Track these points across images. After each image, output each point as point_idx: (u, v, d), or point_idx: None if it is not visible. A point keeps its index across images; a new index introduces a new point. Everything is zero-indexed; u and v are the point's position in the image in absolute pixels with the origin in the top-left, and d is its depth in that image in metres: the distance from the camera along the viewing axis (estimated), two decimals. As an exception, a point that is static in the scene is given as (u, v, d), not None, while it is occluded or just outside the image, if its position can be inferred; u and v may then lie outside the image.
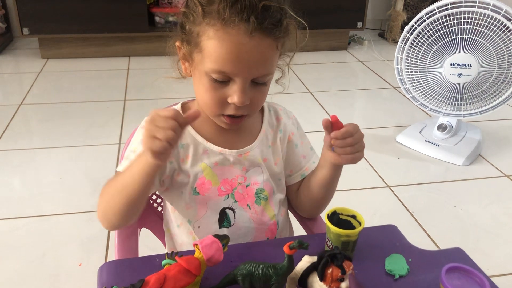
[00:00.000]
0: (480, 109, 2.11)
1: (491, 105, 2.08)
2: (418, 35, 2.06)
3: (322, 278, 0.65)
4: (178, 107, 0.90)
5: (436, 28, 2.01)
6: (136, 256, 0.91)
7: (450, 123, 2.25)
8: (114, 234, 0.95)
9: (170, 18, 3.33)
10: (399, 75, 2.19)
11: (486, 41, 1.96)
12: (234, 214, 0.89)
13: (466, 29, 1.96)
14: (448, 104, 2.17)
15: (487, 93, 2.08)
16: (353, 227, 0.77)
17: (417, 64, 2.13)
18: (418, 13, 2.04)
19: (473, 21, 1.93)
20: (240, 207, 0.89)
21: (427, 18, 2.01)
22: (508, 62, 1.97)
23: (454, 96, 2.14)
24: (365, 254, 0.79)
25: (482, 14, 1.91)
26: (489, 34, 1.94)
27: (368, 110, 2.76)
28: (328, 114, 2.58)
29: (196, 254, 0.68)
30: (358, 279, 0.68)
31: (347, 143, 0.80)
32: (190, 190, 0.87)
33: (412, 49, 2.11)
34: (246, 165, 0.90)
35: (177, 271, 0.66)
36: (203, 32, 0.76)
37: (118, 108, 2.59)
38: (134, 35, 3.32)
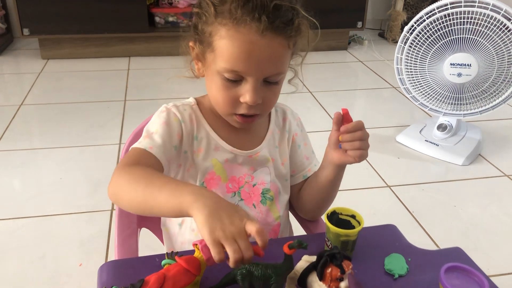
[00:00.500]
0: (480, 109, 2.11)
1: (491, 104, 2.08)
2: (418, 35, 2.06)
3: (321, 278, 0.65)
4: (192, 101, 0.90)
5: (436, 28, 2.01)
6: (136, 256, 0.91)
7: (450, 123, 2.25)
8: (114, 234, 0.95)
9: (170, 19, 3.33)
10: (399, 75, 2.19)
11: (486, 41, 1.96)
12: None
13: (466, 29, 1.96)
14: (448, 104, 2.17)
15: (487, 92, 2.08)
16: (353, 227, 0.77)
17: (417, 64, 2.13)
18: (418, 13, 2.04)
19: (473, 21, 1.93)
20: (245, 206, 0.90)
21: (427, 18, 2.01)
22: (508, 62, 1.97)
23: (454, 96, 2.14)
24: (364, 253, 0.79)
25: (482, 14, 1.91)
26: (488, 34, 1.94)
27: (368, 110, 2.76)
28: (329, 114, 2.58)
29: (196, 254, 0.69)
30: (357, 278, 0.68)
31: (357, 136, 0.80)
32: (198, 184, 0.87)
33: (412, 49, 2.11)
34: (254, 165, 0.90)
35: (176, 271, 0.66)
36: (215, 32, 0.76)
37: (118, 109, 2.59)
38: (134, 35, 3.32)
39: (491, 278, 0.72)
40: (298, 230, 1.04)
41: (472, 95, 2.11)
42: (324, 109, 2.65)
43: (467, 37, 1.98)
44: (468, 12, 1.92)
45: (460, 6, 1.93)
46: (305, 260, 0.69)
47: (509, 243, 1.68)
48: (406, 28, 2.08)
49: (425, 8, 2.02)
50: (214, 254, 0.59)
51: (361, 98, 2.98)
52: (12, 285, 1.43)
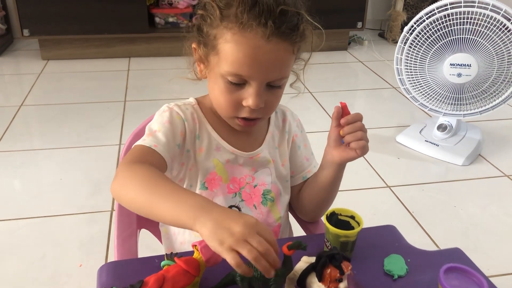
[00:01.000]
0: (480, 109, 2.11)
1: (491, 105, 2.08)
2: (417, 35, 2.06)
3: (320, 279, 0.65)
4: (193, 101, 0.90)
5: (435, 28, 2.01)
6: (135, 257, 0.92)
7: (450, 123, 2.25)
8: (114, 235, 0.95)
9: (170, 19, 3.33)
10: (399, 75, 2.19)
11: (485, 41, 1.96)
12: None
13: (466, 29, 1.96)
14: (448, 104, 2.17)
15: (487, 93, 2.08)
16: (352, 228, 0.77)
17: (416, 64, 2.13)
18: (418, 13, 2.04)
19: (472, 21, 1.93)
20: (246, 207, 0.90)
21: (427, 18, 2.01)
22: (507, 62, 1.97)
23: (454, 96, 2.14)
24: (364, 254, 0.79)
25: (482, 14, 1.92)
26: (488, 34, 1.94)
27: (368, 110, 2.76)
28: (328, 115, 2.58)
29: (195, 255, 0.69)
30: (356, 279, 0.68)
31: (358, 126, 0.81)
32: (199, 184, 0.87)
33: (411, 49, 2.11)
34: (256, 166, 0.91)
35: (176, 272, 0.66)
36: (220, 35, 0.76)
37: (119, 109, 2.59)
38: (134, 36, 3.32)
39: (491, 279, 0.72)
40: (297, 231, 1.04)
41: (472, 95, 2.11)
42: (324, 109, 2.65)
43: (467, 38, 1.98)
44: (468, 12, 1.92)
45: (460, 7, 1.93)
46: (304, 261, 0.69)
47: (509, 243, 1.68)
48: (406, 28, 2.08)
49: (425, 8, 2.02)
50: (230, 259, 0.58)
51: (361, 99, 2.98)
52: (12, 285, 1.43)
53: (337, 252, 0.66)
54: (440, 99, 2.17)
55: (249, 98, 0.78)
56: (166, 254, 0.71)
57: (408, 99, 2.26)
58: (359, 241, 0.78)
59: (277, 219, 0.93)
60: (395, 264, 0.76)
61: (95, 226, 1.68)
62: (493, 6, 1.89)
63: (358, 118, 0.81)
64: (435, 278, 0.67)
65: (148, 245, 1.05)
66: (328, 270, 0.64)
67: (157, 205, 0.68)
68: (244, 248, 0.58)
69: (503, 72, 2.00)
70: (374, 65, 3.42)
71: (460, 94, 2.12)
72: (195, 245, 0.68)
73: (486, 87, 2.07)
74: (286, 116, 0.96)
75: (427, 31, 2.03)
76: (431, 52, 2.08)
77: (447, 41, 2.02)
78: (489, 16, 1.90)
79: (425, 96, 2.19)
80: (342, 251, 0.73)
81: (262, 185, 0.91)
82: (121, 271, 0.75)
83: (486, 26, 1.93)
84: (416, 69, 2.14)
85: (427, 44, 2.06)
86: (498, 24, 1.91)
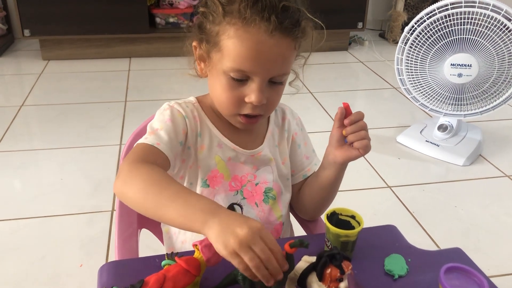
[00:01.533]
0: (481, 109, 2.11)
1: (491, 105, 2.08)
2: (418, 36, 2.06)
3: (321, 278, 0.65)
4: (193, 99, 0.91)
5: (436, 29, 2.01)
6: (136, 256, 0.92)
7: (450, 123, 2.25)
8: (114, 235, 0.95)
9: (171, 19, 3.33)
10: (400, 76, 2.19)
11: (486, 41, 1.96)
12: (242, 211, 0.89)
13: (466, 29, 1.96)
14: (449, 104, 2.17)
15: (487, 93, 2.08)
16: (352, 228, 0.77)
17: (417, 65, 2.13)
18: (418, 14, 2.04)
19: (473, 21, 1.93)
20: (248, 205, 0.90)
21: (427, 19, 2.01)
22: (508, 62, 1.97)
23: (454, 96, 2.14)
24: (364, 254, 0.79)
25: (482, 15, 1.92)
26: (489, 34, 1.94)
27: (369, 111, 2.75)
28: (329, 115, 2.58)
29: (196, 254, 0.69)
30: (357, 279, 0.68)
31: (360, 125, 0.81)
32: (200, 182, 0.87)
33: (412, 50, 2.11)
34: (257, 164, 0.91)
35: (176, 272, 0.66)
36: (223, 31, 0.76)
37: (119, 109, 2.59)
38: (134, 36, 3.32)
39: (492, 279, 0.72)
40: (298, 230, 1.04)
41: (472, 95, 2.11)
42: (324, 110, 2.65)
43: (468, 38, 1.98)
44: (469, 12, 1.92)
45: (461, 7, 1.93)
46: (305, 261, 0.69)
47: (510, 244, 1.68)
48: (407, 28, 2.08)
49: (425, 8, 2.02)
50: (236, 264, 0.59)
51: (362, 99, 2.98)
52: (12, 286, 1.43)
53: (337, 252, 0.66)
54: (441, 99, 2.17)
55: (251, 94, 0.78)
56: (166, 253, 0.71)
57: (408, 99, 2.26)
58: (360, 241, 0.78)
59: (279, 217, 0.93)
60: (396, 264, 0.76)
61: (96, 226, 1.68)
62: (494, 6, 1.89)
63: (361, 117, 0.82)
64: (435, 278, 0.67)
65: (148, 245, 1.05)
66: (329, 270, 0.64)
67: (163, 208, 0.68)
68: (246, 254, 0.58)
69: (504, 72, 2.00)
70: (374, 66, 3.42)
71: (461, 95, 2.12)
72: (196, 245, 0.68)
73: (487, 87, 2.06)
74: (285, 114, 0.96)
75: (428, 31, 2.03)
76: (432, 52, 2.08)
77: (447, 41, 2.02)
78: (490, 16, 1.90)
79: (426, 96, 2.19)
80: (343, 250, 0.73)
81: (264, 183, 0.91)
82: (122, 271, 0.75)
83: (487, 26, 1.93)
84: (417, 69, 2.14)
85: (428, 44, 2.06)
86: (498, 24, 1.91)
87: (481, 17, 1.92)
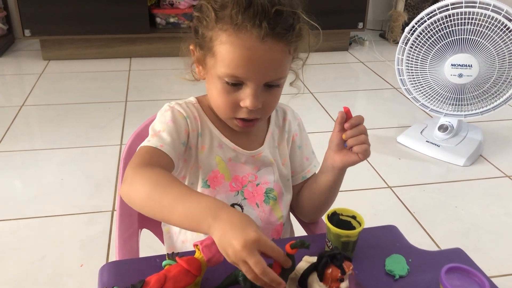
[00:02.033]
0: (481, 110, 2.11)
1: (492, 105, 2.08)
2: (418, 36, 2.06)
3: (322, 279, 0.65)
4: (193, 99, 0.91)
5: (437, 29, 2.01)
6: (137, 256, 0.92)
7: (451, 123, 2.25)
8: (115, 235, 0.95)
9: (171, 20, 3.33)
10: (400, 76, 2.19)
11: (486, 42, 1.96)
12: (242, 211, 0.89)
13: (467, 29, 1.96)
14: (449, 104, 2.17)
15: (488, 93, 2.08)
16: (353, 228, 0.77)
17: (417, 65, 2.13)
18: (419, 14, 2.04)
19: (473, 21, 1.93)
20: (248, 205, 0.90)
21: (428, 19, 2.01)
22: (509, 62, 1.97)
23: (455, 97, 2.14)
24: (365, 254, 0.79)
25: (483, 15, 1.91)
26: (489, 34, 1.94)
27: (369, 111, 2.76)
28: (329, 115, 2.58)
29: (197, 254, 0.69)
30: (358, 279, 0.68)
31: (360, 130, 0.81)
32: (201, 182, 0.87)
33: (413, 50, 2.11)
34: (258, 165, 0.91)
35: (177, 272, 0.66)
36: (216, 37, 0.76)
37: (119, 109, 2.59)
38: (135, 36, 3.32)
39: (492, 279, 0.72)
40: (298, 230, 1.04)
41: (473, 95, 2.11)
42: (325, 110, 2.65)
43: (468, 38, 1.98)
44: (469, 13, 1.92)
45: (461, 7, 1.93)
46: (306, 261, 0.69)
47: (510, 244, 1.67)
48: (407, 29, 2.08)
49: (426, 8, 2.02)
50: (244, 271, 0.60)
51: (362, 99, 2.98)
52: (12, 286, 1.43)
53: (338, 252, 0.66)
54: (441, 99, 2.17)
55: (246, 99, 0.78)
56: (167, 253, 0.71)
57: (409, 99, 2.26)
58: (361, 241, 0.78)
59: (279, 217, 0.93)
60: (397, 264, 0.76)
61: (96, 226, 1.68)
62: (494, 6, 1.89)
63: (361, 121, 0.82)
64: (436, 278, 0.67)
65: (149, 245, 1.05)
66: (330, 270, 0.64)
67: (168, 212, 0.69)
68: (243, 267, 0.60)
69: (504, 73, 2.00)
70: (375, 66, 3.42)
71: (461, 95, 2.12)
72: (197, 245, 0.68)
73: (487, 87, 2.06)
74: (286, 115, 0.96)
75: (428, 31, 2.03)
76: (432, 52, 2.07)
77: (448, 41, 2.02)
78: (490, 17, 1.90)
79: (426, 97, 2.19)
80: (344, 251, 0.73)
81: (264, 184, 0.91)
82: (123, 270, 0.75)
83: (487, 27, 1.93)
84: (417, 70, 2.14)
85: (428, 44, 2.06)
86: (499, 25, 1.91)
87: (482, 18, 1.92)
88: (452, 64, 2.04)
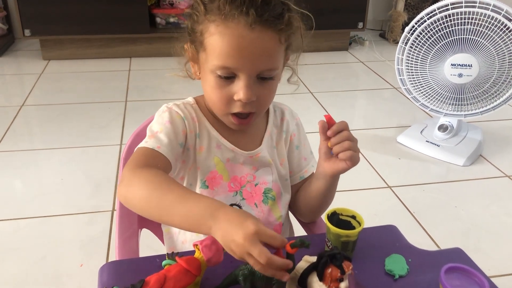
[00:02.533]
0: (481, 109, 2.11)
1: (492, 105, 2.08)
2: (418, 36, 2.06)
3: (321, 278, 0.65)
4: (191, 100, 0.91)
5: (436, 29, 2.01)
6: (137, 256, 0.92)
7: (451, 123, 2.25)
8: (115, 235, 0.95)
9: (171, 19, 3.33)
10: (400, 76, 2.19)
11: (486, 42, 1.96)
12: None
13: (467, 29, 1.96)
14: (449, 104, 2.17)
15: (488, 93, 2.08)
16: (353, 228, 0.77)
17: (417, 65, 2.13)
18: (418, 14, 2.04)
19: (473, 21, 1.93)
20: (247, 205, 0.90)
21: (428, 19, 2.01)
22: (508, 62, 1.97)
23: (454, 97, 2.14)
24: (365, 254, 0.79)
25: (483, 15, 1.91)
26: (489, 34, 1.94)
27: (369, 111, 2.76)
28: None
29: (196, 254, 0.69)
30: (357, 279, 0.69)
31: (344, 136, 0.79)
32: (199, 183, 0.87)
33: (412, 50, 2.11)
34: (257, 165, 0.91)
35: (177, 271, 0.66)
36: (206, 30, 0.77)
37: (120, 109, 2.59)
38: (135, 36, 3.32)
39: (492, 279, 0.72)
40: (298, 230, 1.04)
41: (473, 95, 2.11)
42: (325, 110, 2.65)
43: (468, 38, 1.98)
44: (469, 12, 1.92)
45: (461, 7, 1.93)
46: (306, 261, 0.69)
47: (510, 244, 1.67)
48: (407, 28, 2.08)
49: (426, 8, 2.02)
50: (250, 263, 0.61)
51: (362, 99, 2.98)
52: (12, 286, 1.43)
53: (338, 252, 0.66)
54: (441, 99, 2.17)
55: (239, 91, 0.77)
56: (167, 253, 0.71)
57: (409, 99, 2.26)
58: (360, 241, 0.78)
59: (278, 217, 0.93)
60: (396, 264, 0.76)
61: (96, 226, 1.68)
62: (494, 6, 1.89)
63: (343, 127, 0.80)
64: (436, 278, 0.67)
65: (149, 245, 1.05)
66: (329, 270, 0.65)
67: (167, 214, 0.69)
68: (249, 260, 0.60)
69: (504, 72, 2.00)
70: (375, 66, 3.42)
71: (461, 95, 2.12)
72: (197, 245, 0.68)
73: (487, 87, 2.06)
74: (284, 114, 0.96)
75: (428, 31, 2.03)
76: (432, 52, 2.07)
77: (448, 41, 2.02)
78: (490, 17, 1.90)
79: (426, 97, 2.19)
80: (343, 250, 0.73)
81: (263, 184, 0.91)
82: (122, 270, 0.76)
83: (487, 27, 1.93)
84: (417, 70, 2.14)
85: (428, 44, 2.06)
86: (499, 25, 1.91)
87: (482, 17, 1.92)
88: (452, 64, 2.04)
